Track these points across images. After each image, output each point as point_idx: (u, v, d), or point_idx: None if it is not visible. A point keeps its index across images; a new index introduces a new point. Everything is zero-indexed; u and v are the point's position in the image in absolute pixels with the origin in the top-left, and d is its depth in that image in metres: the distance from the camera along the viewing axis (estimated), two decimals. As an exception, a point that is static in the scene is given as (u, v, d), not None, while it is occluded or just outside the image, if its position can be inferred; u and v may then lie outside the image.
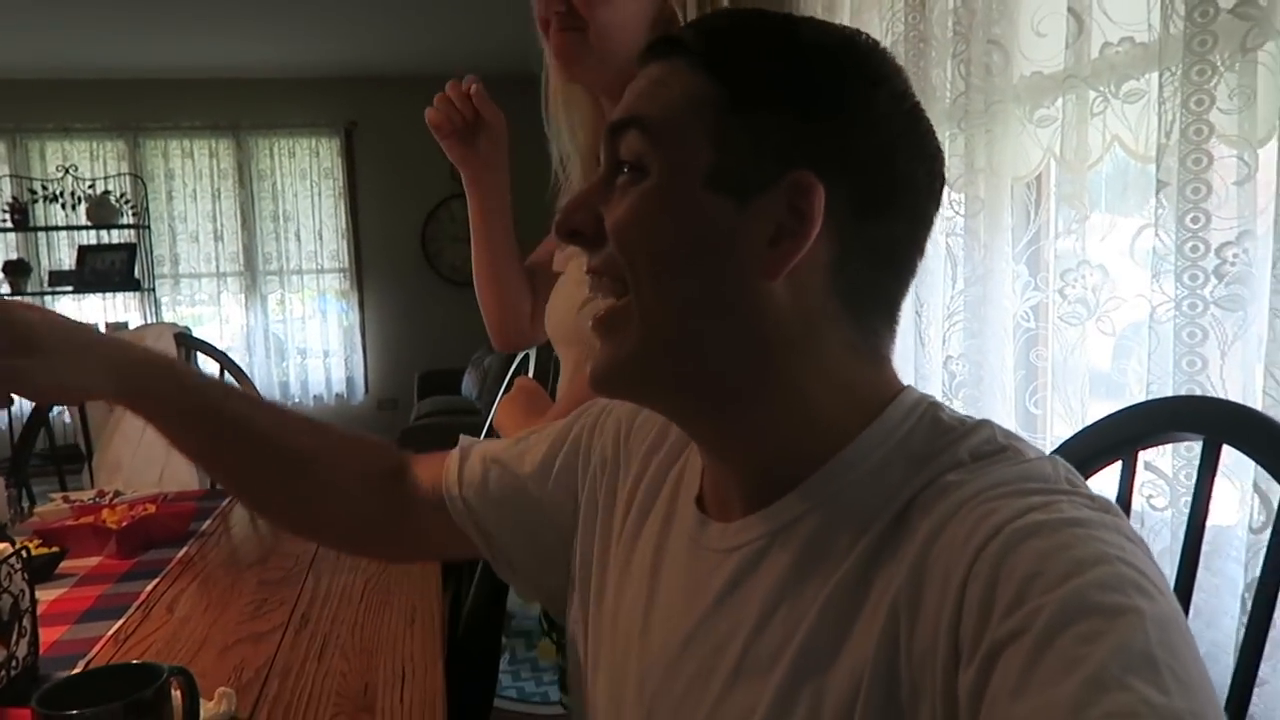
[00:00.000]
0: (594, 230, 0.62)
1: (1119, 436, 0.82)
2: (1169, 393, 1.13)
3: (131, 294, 6.15)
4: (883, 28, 1.93)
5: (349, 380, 6.71)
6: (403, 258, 6.66)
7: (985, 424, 0.59)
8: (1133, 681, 0.41)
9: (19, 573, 1.06)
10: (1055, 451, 0.86)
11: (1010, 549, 0.48)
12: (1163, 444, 0.90)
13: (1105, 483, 0.86)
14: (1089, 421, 1.34)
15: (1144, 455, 0.87)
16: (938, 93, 1.70)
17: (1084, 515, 0.50)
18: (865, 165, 0.58)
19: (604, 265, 0.62)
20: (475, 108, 1.29)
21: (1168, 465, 1.14)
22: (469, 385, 5.89)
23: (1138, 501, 1.13)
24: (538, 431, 0.87)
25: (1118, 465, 0.84)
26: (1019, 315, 1.50)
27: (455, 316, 6.62)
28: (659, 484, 0.74)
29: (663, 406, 0.67)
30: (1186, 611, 0.69)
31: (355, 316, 6.67)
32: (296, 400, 6.58)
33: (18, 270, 5.82)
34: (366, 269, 6.67)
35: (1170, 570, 1.14)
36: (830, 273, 0.58)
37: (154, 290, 6.23)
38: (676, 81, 0.60)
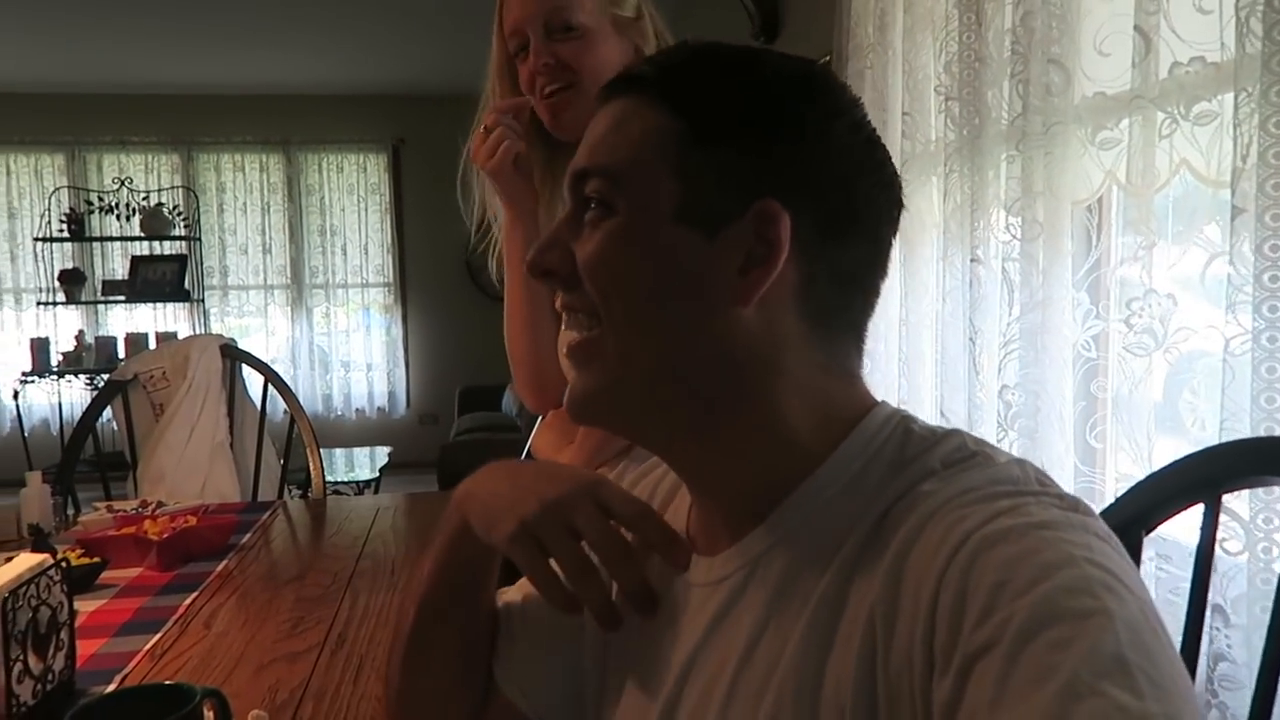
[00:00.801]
0: (567, 269, 0.62)
1: (1199, 477, 0.77)
2: (1244, 430, 1.08)
3: (181, 304, 6.26)
4: (936, 48, 1.89)
5: (391, 394, 6.76)
6: (446, 274, 6.71)
7: (956, 433, 0.60)
8: (1106, 687, 0.41)
9: (58, 584, 1.06)
10: (1130, 492, 0.82)
11: (978, 556, 0.48)
12: (1248, 487, 0.85)
13: (1183, 527, 0.81)
14: (1154, 458, 1.29)
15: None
16: (993, 114, 1.66)
17: (1052, 516, 0.50)
18: (827, 191, 0.60)
19: (577, 300, 0.63)
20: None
21: (1243, 508, 1.08)
22: (509, 402, 5.89)
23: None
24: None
25: (1197, 508, 0.79)
26: (1079, 344, 1.45)
27: (498, 333, 6.61)
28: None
29: (639, 434, 0.67)
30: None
31: (399, 331, 6.72)
32: (339, 413, 6.64)
33: (73, 279, 5.96)
34: (410, 284, 6.73)
35: (1245, 618, 1.09)
36: (798, 296, 0.60)
37: (203, 301, 6.34)
38: (637, 118, 0.60)
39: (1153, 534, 0.82)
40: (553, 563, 0.66)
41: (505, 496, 0.70)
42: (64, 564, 1.08)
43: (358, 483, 4.94)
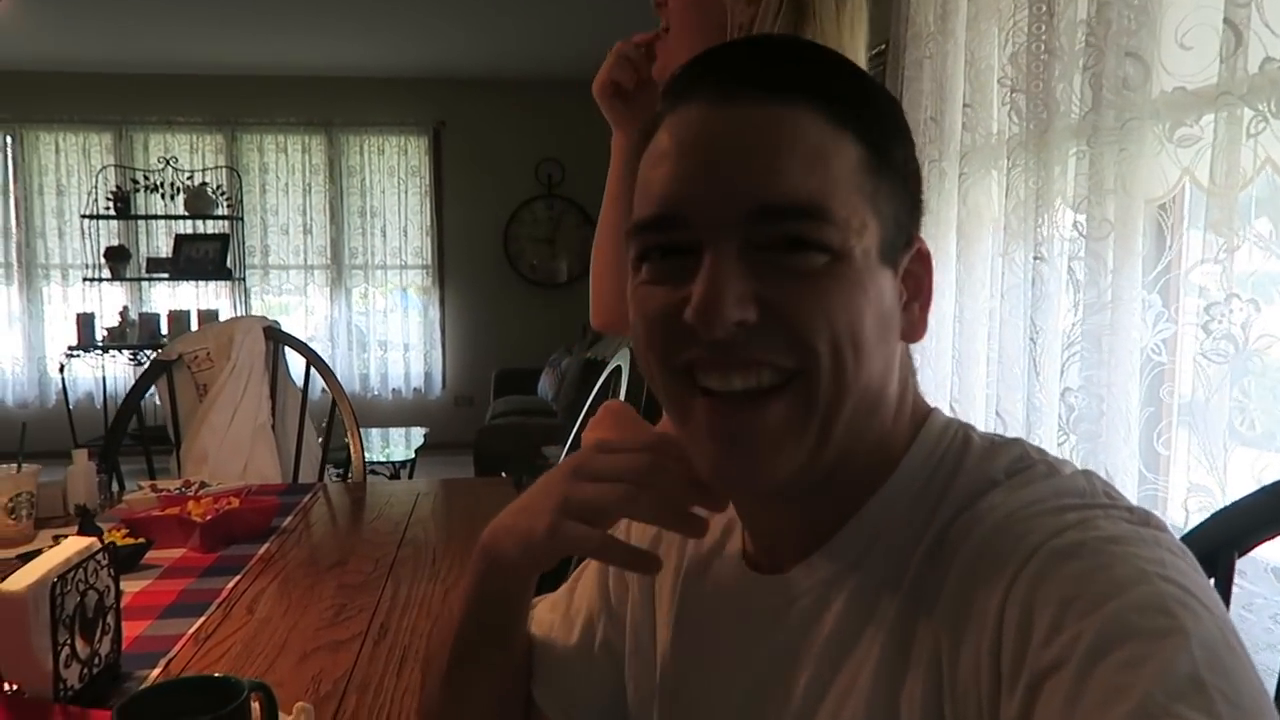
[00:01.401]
0: (761, 317, 0.53)
1: (1301, 499, 0.73)
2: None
3: (223, 283, 6.32)
4: (1001, 38, 1.83)
5: (427, 375, 6.79)
6: (484, 257, 6.72)
7: (1017, 442, 0.58)
8: (1181, 709, 0.39)
9: (105, 569, 1.05)
10: (1223, 511, 0.78)
11: (1047, 572, 0.46)
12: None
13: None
14: (1230, 469, 1.24)
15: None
16: (1061, 107, 1.60)
17: (1121, 530, 0.48)
18: (919, 211, 0.60)
19: (767, 352, 0.53)
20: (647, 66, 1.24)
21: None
22: (545, 386, 5.89)
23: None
24: (577, 586, 0.83)
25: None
26: (1149, 348, 1.39)
27: (534, 317, 6.66)
28: (701, 556, 0.71)
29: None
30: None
31: (436, 313, 6.75)
32: (376, 393, 6.69)
33: (118, 256, 6.04)
34: (449, 267, 6.74)
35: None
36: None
37: (244, 280, 6.40)
38: (827, 142, 0.53)
39: (1248, 556, 0.77)
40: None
41: (527, 507, 0.67)
42: (111, 548, 1.07)
43: (393, 463, 4.96)
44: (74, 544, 1.03)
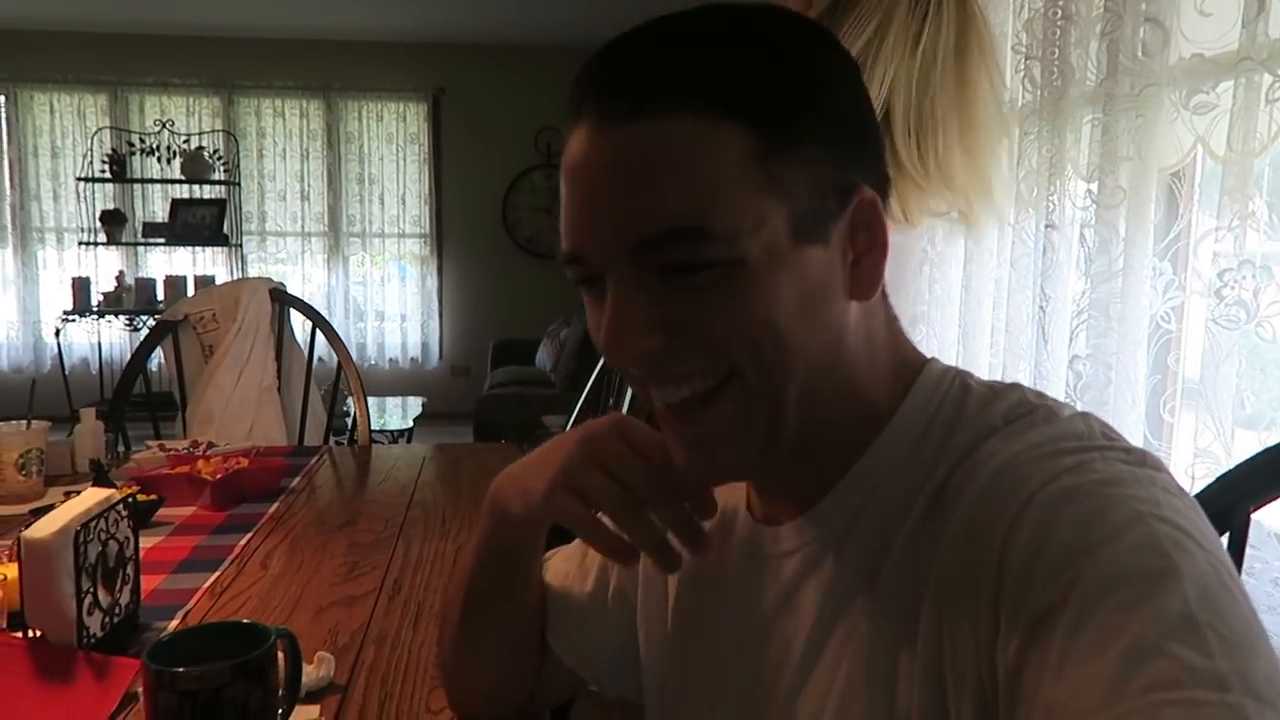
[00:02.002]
0: (672, 344, 0.54)
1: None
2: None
3: (219, 248, 6.29)
4: (1016, 5, 1.82)
5: (424, 345, 6.78)
6: (483, 226, 6.69)
7: (1015, 387, 0.58)
8: (1173, 647, 0.40)
9: (125, 520, 1.06)
10: (1240, 467, 0.79)
11: (1043, 516, 0.47)
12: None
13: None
14: (1237, 435, 1.25)
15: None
16: (1077, 75, 1.59)
17: (1118, 472, 0.48)
18: (875, 147, 0.58)
19: (692, 367, 0.55)
20: None
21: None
22: (543, 357, 5.89)
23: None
24: None
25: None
26: (1158, 316, 1.40)
27: (532, 287, 6.64)
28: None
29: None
30: None
31: (434, 282, 6.73)
32: (373, 362, 6.68)
33: (113, 220, 6.00)
34: (447, 236, 6.71)
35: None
36: None
37: (241, 246, 6.37)
38: (702, 147, 0.51)
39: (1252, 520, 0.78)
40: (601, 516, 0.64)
41: (535, 462, 0.68)
42: (131, 500, 1.08)
43: (391, 431, 4.97)
44: (93, 495, 1.03)
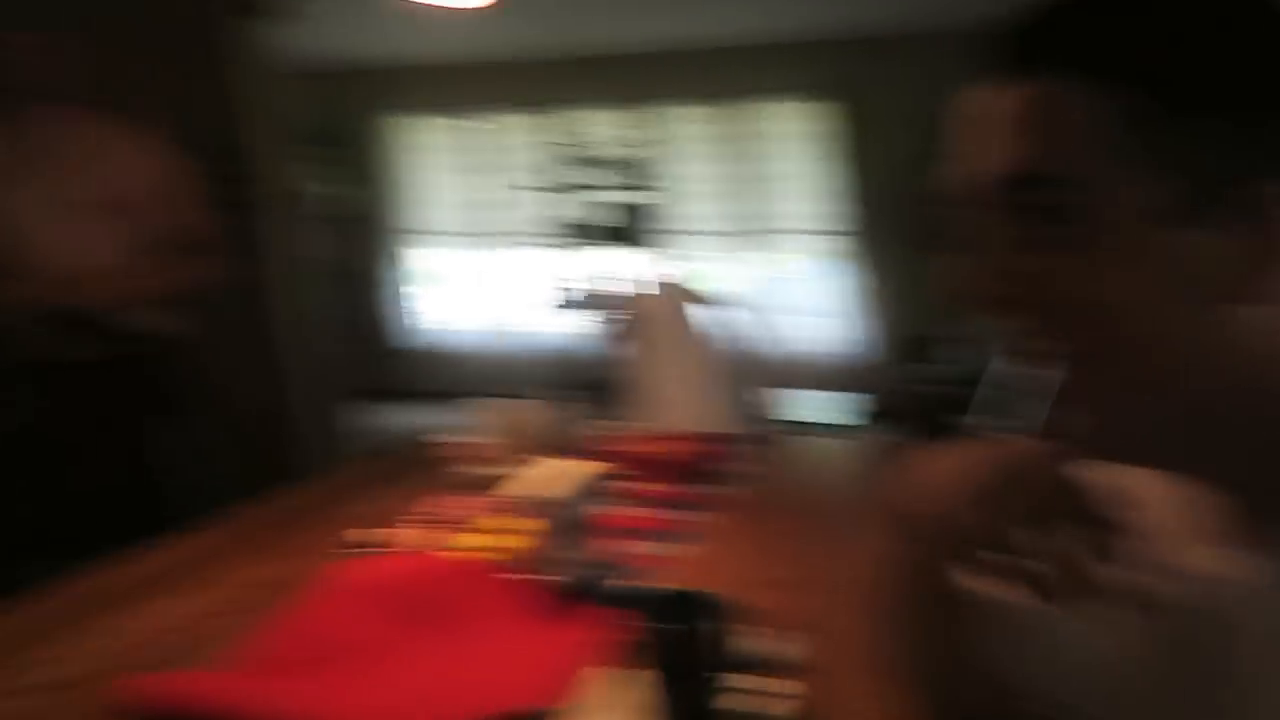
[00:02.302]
0: (1029, 296, 0.55)
1: None
2: None
3: (647, 249, 6.86)
4: None
5: (843, 341, 6.80)
6: (895, 223, 6.54)
7: None
8: None
9: (604, 489, 1.20)
10: None
11: None
12: None
13: None
14: None
15: None
16: None
17: None
18: None
19: (1049, 338, 0.56)
20: None
21: None
22: (951, 355, 5.65)
23: None
24: None
25: None
26: None
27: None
28: None
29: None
30: None
31: (847, 278, 6.72)
32: (789, 357, 6.84)
33: (572, 225, 6.82)
34: (857, 232, 6.67)
35: None
36: None
37: (663, 247, 6.88)
38: (1077, 102, 0.51)
39: None
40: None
41: (939, 482, 0.64)
42: (610, 474, 1.22)
43: (811, 425, 5.07)
44: (583, 466, 1.19)
